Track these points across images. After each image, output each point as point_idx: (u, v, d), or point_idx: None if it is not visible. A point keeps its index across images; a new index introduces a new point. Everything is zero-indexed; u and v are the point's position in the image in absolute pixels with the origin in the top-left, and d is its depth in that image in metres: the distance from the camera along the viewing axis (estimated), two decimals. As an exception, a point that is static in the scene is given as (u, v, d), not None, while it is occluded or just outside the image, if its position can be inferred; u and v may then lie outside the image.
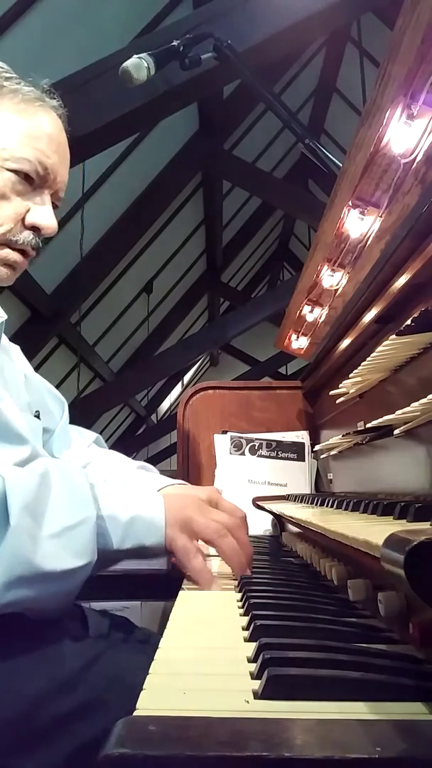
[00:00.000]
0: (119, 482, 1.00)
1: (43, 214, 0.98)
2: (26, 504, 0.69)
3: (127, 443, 11.77)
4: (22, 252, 0.98)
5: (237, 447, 1.72)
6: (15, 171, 0.94)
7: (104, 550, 0.77)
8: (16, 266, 0.99)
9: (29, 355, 1.17)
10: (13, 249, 0.97)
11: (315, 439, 1.71)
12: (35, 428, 1.04)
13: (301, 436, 1.73)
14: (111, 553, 0.79)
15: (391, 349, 0.88)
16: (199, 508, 0.86)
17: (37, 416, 1.09)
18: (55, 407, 1.19)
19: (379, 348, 0.91)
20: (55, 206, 1.02)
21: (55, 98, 1.02)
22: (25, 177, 0.95)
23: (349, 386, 1.12)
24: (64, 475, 0.78)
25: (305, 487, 1.68)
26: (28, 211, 0.97)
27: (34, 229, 0.97)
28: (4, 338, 1.09)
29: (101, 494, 0.80)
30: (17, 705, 0.65)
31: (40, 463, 0.79)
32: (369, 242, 1.19)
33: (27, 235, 0.97)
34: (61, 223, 5.65)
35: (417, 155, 0.94)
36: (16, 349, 1.15)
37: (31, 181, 0.96)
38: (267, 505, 1.44)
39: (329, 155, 1.67)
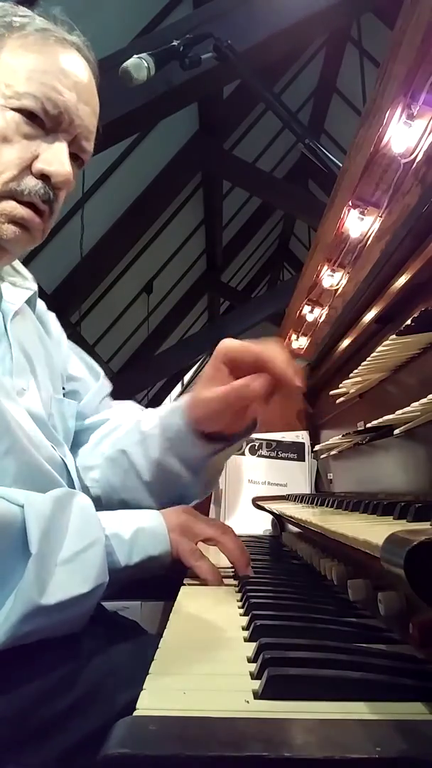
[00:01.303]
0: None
1: (53, 159, 0.81)
2: (44, 531, 0.67)
3: (127, 443, 11.76)
4: (32, 206, 0.82)
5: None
6: (18, 110, 0.80)
7: (114, 569, 0.76)
8: (27, 225, 0.83)
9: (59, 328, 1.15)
10: (20, 202, 0.81)
11: (315, 439, 1.71)
12: (58, 411, 0.97)
13: (301, 436, 1.73)
14: (121, 571, 0.78)
15: (391, 349, 0.88)
16: (194, 514, 0.88)
17: (65, 394, 1.04)
18: (89, 376, 1.14)
19: (379, 348, 0.91)
20: (78, 160, 0.87)
21: (79, 36, 0.88)
22: (31, 116, 0.81)
23: (349, 386, 1.12)
24: (73, 500, 0.76)
25: (305, 487, 1.68)
26: (36, 157, 0.82)
27: (44, 177, 0.82)
28: (41, 305, 1.03)
29: (101, 516, 0.79)
30: (15, 703, 0.65)
31: (49, 493, 0.77)
32: (369, 242, 1.19)
33: (32, 182, 0.81)
34: (61, 223, 5.68)
35: (417, 155, 0.94)
36: (52, 317, 1.09)
37: (41, 122, 0.81)
38: (267, 505, 1.44)
39: (329, 155, 1.67)
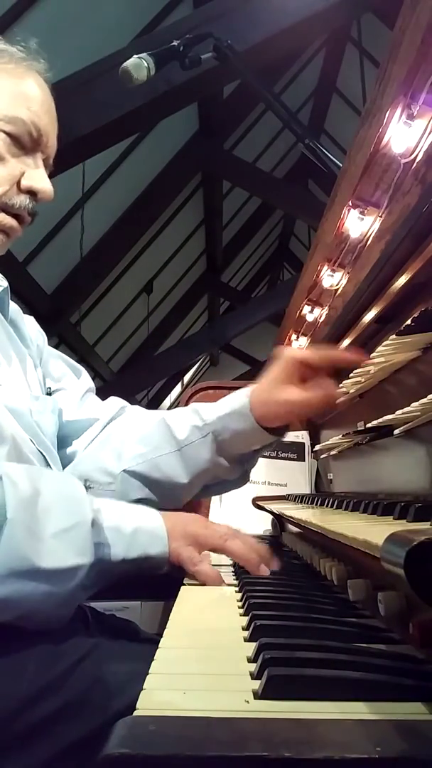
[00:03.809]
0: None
1: (39, 178, 0.94)
2: (22, 499, 0.70)
3: (127, 443, 11.75)
4: (17, 217, 0.95)
5: (237, 447, 1.72)
6: (8, 132, 0.91)
7: (110, 561, 0.77)
8: (11, 232, 0.95)
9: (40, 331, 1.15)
10: (8, 213, 0.93)
11: (315, 439, 1.71)
12: (36, 409, 0.98)
13: (301, 436, 1.73)
14: (118, 563, 0.79)
15: (391, 349, 0.88)
16: (200, 522, 0.89)
17: (49, 393, 1.06)
18: (71, 373, 1.15)
19: (379, 348, 0.91)
20: (48, 165, 0.99)
21: (41, 61, 1.00)
22: (18, 139, 0.92)
23: (349, 386, 1.12)
24: (54, 480, 0.79)
25: (305, 487, 1.68)
26: (23, 174, 0.93)
27: (30, 193, 0.94)
28: (15, 307, 1.07)
29: (103, 508, 0.81)
30: (13, 702, 0.65)
31: (29, 467, 0.79)
32: (369, 242, 1.19)
33: (23, 199, 0.94)
34: (61, 223, 5.68)
35: (417, 155, 0.94)
36: (30, 321, 1.12)
37: (25, 143, 0.93)
38: (267, 505, 1.44)
39: (329, 155, 1.67)
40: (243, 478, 1.10)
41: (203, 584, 0.83)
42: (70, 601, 0.74)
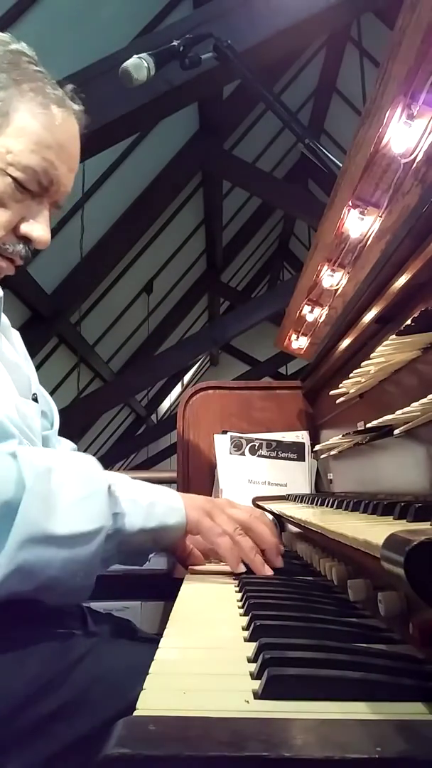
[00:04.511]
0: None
1: (38, 227, 0.92)
2: (39, 474, 0.72)
3: (127, 443, 11.77)
4: (10, 260, 0.94)
5: (237, 447, 1.72)
6: (16, 179, 0.89)
7: (128, 531, 0.80)
8: (1, 272, 0.95)
9: (29, 355, 1.16)
10: (1, 256, 0.92)
11: (315, 439, 1.71)
12: (28, 414, 0.99)
13: (301, 436, 1.73)
14: (136, 533, 0.82)
15: (391, 349, 0.88)
16: (216, 504, 0.91)
17: (35, 399, 1.06)
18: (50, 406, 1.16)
19: (379, 348, 0.91)
20: (56, 207, 0.98)
21: (77, 102, 0.97)
22: (25, 185, 0.90)
23: (349, 386, 1.12)
24: (68, 456, 0.83)
25: (305, 487, 1.68)
26: (22, 219, 0.92)
27: (26, 239, 0.92)
28: (5, 320, 1.07)
29: (119, 482, 0.83)
30: (12, 702, 0.65)
31: (42, 449, 0.81)
32: (369, 242, 1.19)
33: (18, 247, 0.92)
34: (61, 223, 5.68)
35: (417, 155, 0.94)
36: (16, 334, 1.13)
37: (32, 189, 0.91)
38: (267, 505, 1.44)
39: (329, 155, 1.67)
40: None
41: (219, 561, 0.85)
42: (89, 571, 0.75)
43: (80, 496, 0.75)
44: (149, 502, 0.84)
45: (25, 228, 0.92)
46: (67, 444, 1.18)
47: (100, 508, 0.76)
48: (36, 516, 0.69)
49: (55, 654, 0.71)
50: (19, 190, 0.90)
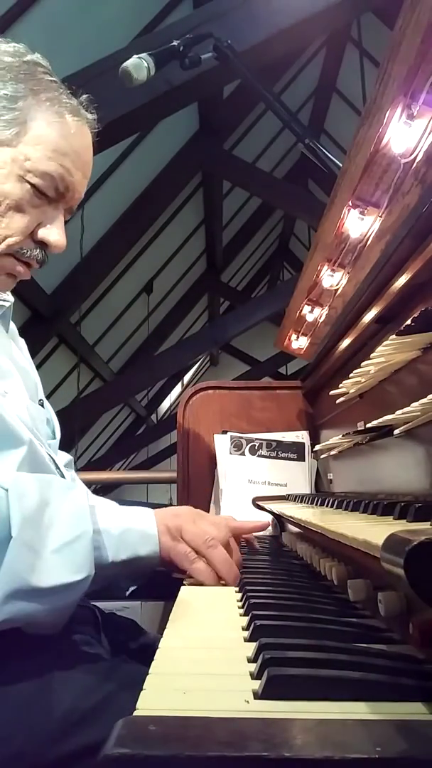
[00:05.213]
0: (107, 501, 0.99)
1: (55, 231, 0.94)
2: (27, 517, 0.70)
3: (127, 443, 11.76)
4: (27, 264, 0.95)
5: (237, 447, 1.72)
6: (35, 185, 0.90)
7: (100, 564, 0.77)
8: (18, 276, 0.96)
9: (29, 354, 1.16)
10: (19, 260, 0.94)
11: (315, 439, 1.71)
12: (38, 417, 1.00)
13: (301, 436, 1.73)
14: (107, 566, 0.80)
15: (391, 349, 0.88)
16: (192, 518, 0.88)
17: (41, 404, 1.07)
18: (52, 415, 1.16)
19: (379, 348, 0.91)
20: (69, 212, 0.99)
21: (91, 111, 1.00)
22: (43, 191, 0.92)
23: (349, 386, 1.12)
24: (63, 490, 0.79)
25: (305, 487, 1.68)
26: (39, 224, 0.93)
27: (43, 244, 0.94)
28: (13, 327, 1.08)
29: (97, 508, 0.81)
30: (45, 735, 0.65)
31: (40, 477, 0.79)
32: (369, 242, 1.19)
33: (36, 251, 0.94)
34: (61, 223, 5.68)
35: (417, 155, 0.94)
36: (23, 342, 1.14)
37: (49, 195, 0.93)
38: (267, 505, 1.44)
39: (329, 155, 1.67)
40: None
41: (200, 584, 0.83)
42: (70, 611, 0.74)
43: (67, 540, 0.73)
44: (122, 530, 0.82)
45: (42, 233, 0.93)
46: (64, 457, 1.16)
47: (84, 555, 0.74)
48: (21, 568, 0.67)
49: (52, 655, 0.71)
50: (37, 196, 0.91)
